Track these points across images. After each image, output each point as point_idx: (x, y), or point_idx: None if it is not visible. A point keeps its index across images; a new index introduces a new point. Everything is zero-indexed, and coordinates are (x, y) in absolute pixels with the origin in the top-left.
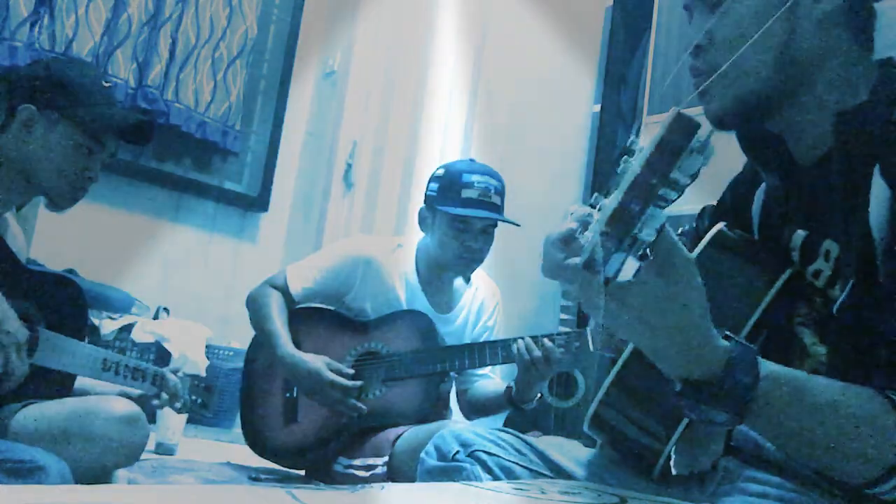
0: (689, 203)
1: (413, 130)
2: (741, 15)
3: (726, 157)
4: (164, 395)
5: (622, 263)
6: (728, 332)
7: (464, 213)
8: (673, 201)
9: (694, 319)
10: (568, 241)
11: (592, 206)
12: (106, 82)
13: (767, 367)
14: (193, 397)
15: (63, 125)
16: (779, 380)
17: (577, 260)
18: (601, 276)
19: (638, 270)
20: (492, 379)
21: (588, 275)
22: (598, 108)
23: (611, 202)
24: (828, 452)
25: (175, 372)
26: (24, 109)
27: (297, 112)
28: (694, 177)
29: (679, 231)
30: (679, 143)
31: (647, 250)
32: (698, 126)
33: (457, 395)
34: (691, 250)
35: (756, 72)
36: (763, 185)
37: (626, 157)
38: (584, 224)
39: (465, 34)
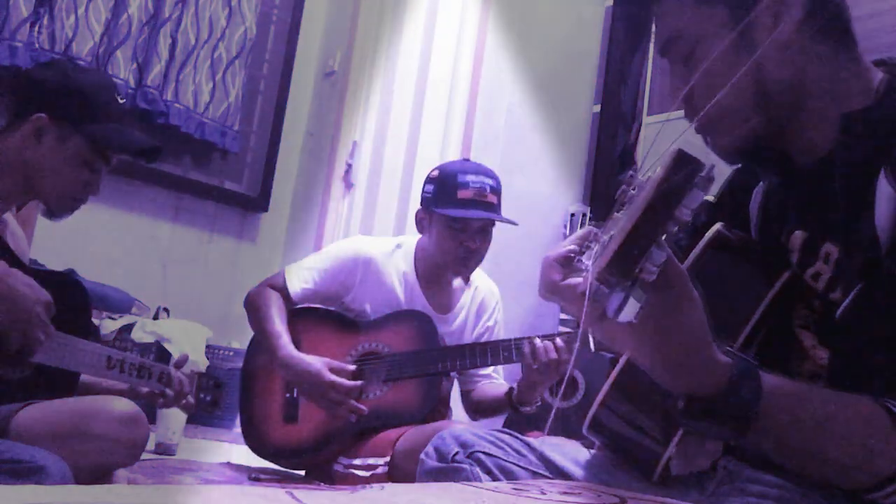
0: None
1: (413, 130)
2: (710, 64)
3: None
4: (170, 393)
5: (623, 302)
6: (729, 348)
7: (460, 215)
8: (675, 232)
9: (693, 336)
10: (566, 264)
11: (592, 209)
12: (121, 98)
13: (768, 381)
14: (202, 394)
15: (75, 140)
16: (780, 394)
17: (575, 281)
18: (599, 307)
19: (639, 311)
20: (495, 380)
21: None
22: (598, 108)
23: (611, 243)
24: (826, 463)
25: (180, 365)
26: (37, 118)
27: (297, 112)
28: (696, 210)
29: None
30: (681, 184)
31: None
32: (700, 164)
33: (461, 396)
34: (689, 249)
35: (742, 114)
36: (762, 183)
37: (623, 187)
38: (583, 246)
39: (466, 34)
